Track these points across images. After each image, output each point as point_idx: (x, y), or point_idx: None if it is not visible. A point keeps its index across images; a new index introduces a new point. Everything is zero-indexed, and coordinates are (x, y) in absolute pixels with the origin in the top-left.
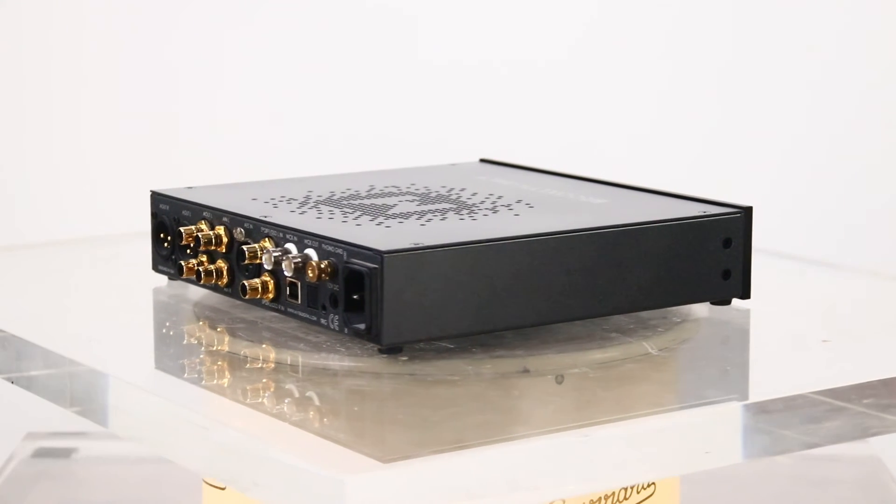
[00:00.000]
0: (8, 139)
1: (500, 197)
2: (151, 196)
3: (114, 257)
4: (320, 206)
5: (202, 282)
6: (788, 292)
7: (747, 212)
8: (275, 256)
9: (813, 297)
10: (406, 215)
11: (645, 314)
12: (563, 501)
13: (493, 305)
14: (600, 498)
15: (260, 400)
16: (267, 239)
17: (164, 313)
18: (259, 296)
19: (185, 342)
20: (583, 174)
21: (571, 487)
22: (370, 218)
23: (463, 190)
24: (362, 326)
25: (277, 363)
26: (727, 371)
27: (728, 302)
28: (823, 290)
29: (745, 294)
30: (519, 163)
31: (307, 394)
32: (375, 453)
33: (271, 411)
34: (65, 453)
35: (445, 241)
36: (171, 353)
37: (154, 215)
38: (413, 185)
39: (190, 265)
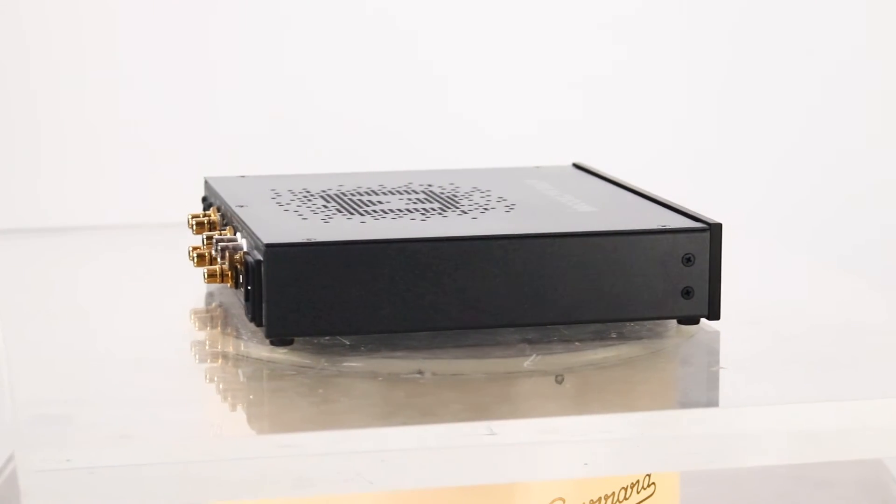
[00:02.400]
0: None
1: (501, 200)
2: (205, 183)
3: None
4: (315, 200)
5: (196, 265)
6: (779, 312)
7: (714, 228)
8: (214, 242)
9: (800, 318)
10: (369, 212)
11: (592, 327)
12: (563, 500)
13: (393, 306)
14: (600, 498)
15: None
16: (230, 227)
17: (181, 294)
18: (218, 281)
19: (149, 323)
20: (642, 188)
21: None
22: (331, 213)
23: (486, 192)
24: (250, 317)
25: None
26: (573, 398)
27: (696, 321)
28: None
29: (712, 314)
30: (611, 172)
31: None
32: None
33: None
34: None
35: (344, 237)
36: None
37: (203, 200)
38: (451, 184)
39: (194, 248)
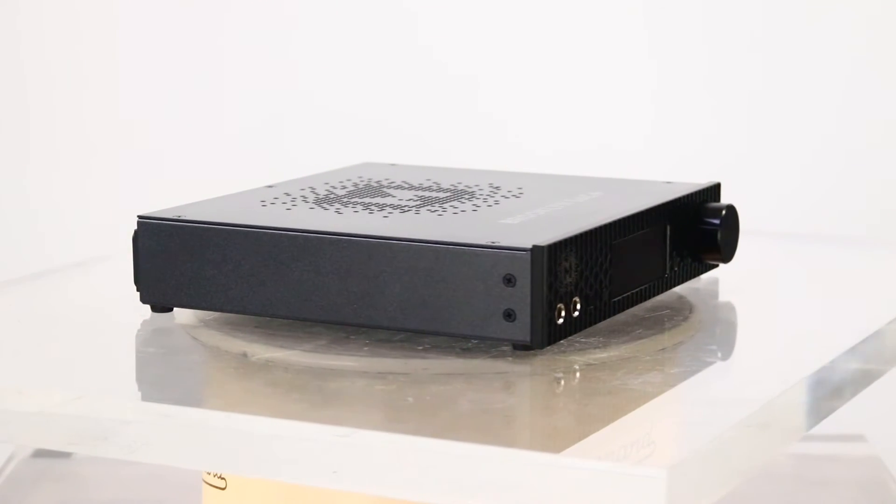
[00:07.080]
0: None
1: (493, 205)
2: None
3: None
4: (339, 191)
5: None
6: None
7: (535, 252)
8: None
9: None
10: (354, 205)
11: (433, 340)
12: None
13: (239, 289)
14: None
15: None
16: None
17: None
18: None
19: None
20: None
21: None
22: (314, 204)
23: (507, 196)
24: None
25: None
26: None
27: (527, 346)
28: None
29: (535, 341)
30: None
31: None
32: None
33: None
34: (65, 453)
35: (207, 219)
36: None
37: None
38: (518, 188)
39: None
